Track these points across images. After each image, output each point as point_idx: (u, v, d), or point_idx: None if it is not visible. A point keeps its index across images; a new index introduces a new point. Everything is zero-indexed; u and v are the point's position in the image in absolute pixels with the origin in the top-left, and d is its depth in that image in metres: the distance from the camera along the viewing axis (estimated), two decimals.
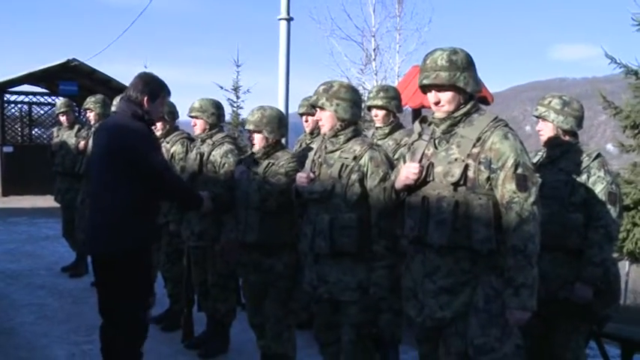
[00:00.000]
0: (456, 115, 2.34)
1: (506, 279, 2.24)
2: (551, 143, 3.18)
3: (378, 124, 3.85)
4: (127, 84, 3.16)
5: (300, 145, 4.26)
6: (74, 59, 12.53)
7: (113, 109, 5.17)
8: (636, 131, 7.45)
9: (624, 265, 9.93)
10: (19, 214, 10.15)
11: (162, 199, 3.51)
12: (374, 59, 17.64)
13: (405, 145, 2.99)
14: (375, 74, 17.78)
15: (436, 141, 2.40)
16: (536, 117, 3.21)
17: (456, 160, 2.29)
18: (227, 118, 13.68)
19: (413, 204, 2.39)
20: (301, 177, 2.89)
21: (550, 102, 3.17)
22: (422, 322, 2.41)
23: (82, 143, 5.70)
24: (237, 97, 14.41)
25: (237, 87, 14.39)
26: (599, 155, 3.14)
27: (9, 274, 6.30)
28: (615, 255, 8.29)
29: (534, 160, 3.24)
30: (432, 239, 2.30)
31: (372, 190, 2.72)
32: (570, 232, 3.02)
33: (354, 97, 2.86)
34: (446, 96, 2.33)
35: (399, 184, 2.43)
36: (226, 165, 3.70)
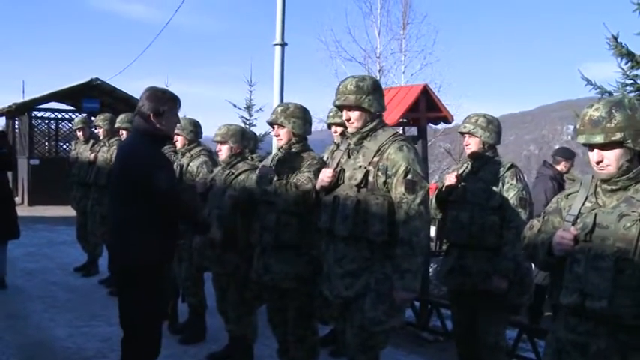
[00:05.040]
0: (363, 130, 2.86)
1: (394, 265, 2.72)
2: (475, 156, 3.66)
3: (336, 140, 4.43)
4: None
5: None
6: (97, 78, 13.41)
7: (118, 124, 5.86)
8: None
9: None
10: (42, 222, 10.86)
11: (171, 219, 3.46)
12: (378, 79, 18.07)
13: None
14: None
15: (350, 151, 2.94)
16: (464, 133, 3.70)
17: (360, 167, 2.81)
18: None
19: (327, 202, 2.90)
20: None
21: (477, 120, 3.64)
22: (333, 300, 2.91)
23: (92, 156, 6.37)
24: (250, 115, 14.72)
25: (249, 105, 14.74)
26: (512, 166, 3.61)
27: (28, 271, 7.00)
28: None
29: (460, 171, 3.78)
30: (339, 231, 2.80)
31: None
32: (488, 232, 3.48)
33: (306, 116, 3.43)
34: (354, 115, 2.84)
35: (317, 186, 2.99)
36: (201, 174, 4.31)
